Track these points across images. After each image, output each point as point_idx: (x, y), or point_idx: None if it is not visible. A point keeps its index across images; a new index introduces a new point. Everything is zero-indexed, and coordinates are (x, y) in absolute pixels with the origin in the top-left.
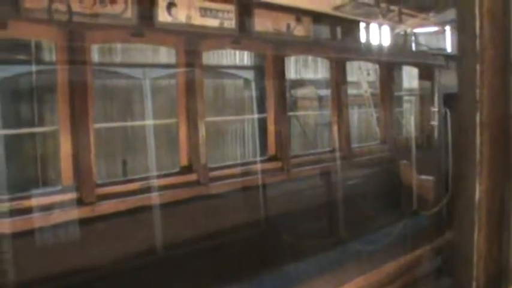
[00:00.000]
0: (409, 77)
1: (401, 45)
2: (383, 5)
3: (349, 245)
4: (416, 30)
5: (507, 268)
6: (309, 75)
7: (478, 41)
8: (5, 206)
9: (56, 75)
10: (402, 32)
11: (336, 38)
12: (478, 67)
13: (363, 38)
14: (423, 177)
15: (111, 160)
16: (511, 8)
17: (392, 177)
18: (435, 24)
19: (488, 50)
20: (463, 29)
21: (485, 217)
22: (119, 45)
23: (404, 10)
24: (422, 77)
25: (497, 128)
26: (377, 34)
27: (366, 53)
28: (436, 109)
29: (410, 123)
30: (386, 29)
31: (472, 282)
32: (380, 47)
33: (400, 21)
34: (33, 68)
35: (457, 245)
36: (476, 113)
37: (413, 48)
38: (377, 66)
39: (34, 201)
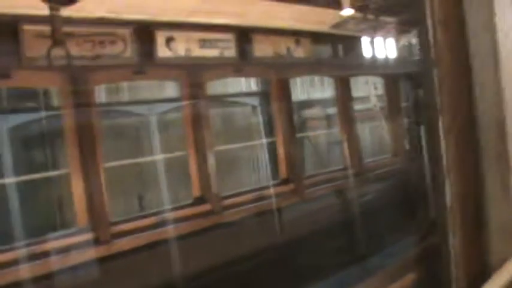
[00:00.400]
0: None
1: (406, 57)
2: (382, 19)
3: (367, 261)
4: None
5: (486, 269)
6: (316, 94)
7: (433, 49)
8: (23, 252)
9: (62, 120)
10: (406, 43)
11: (338, 55)
12: (435, 74)
13: (365, 53)
14: None
15: (125, 197)
16: (465, 14)
17: (406, 190)
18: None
19: (445, 57)
20: (420, 38)
21: (459, 220)
22: (122, 84)
23: (406, 22)
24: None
25: (463, 133)
26: (380, 47)
27: (369, 67)
28: None
29: (420, 135)
30: (388, 41)
31: (452, 285)
32: (384, 60)
33: (402, 33)
34: (41, 114)
35: (437, 249)
36: (439, 119)
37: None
38: (383, 80)
39: (51, 245)
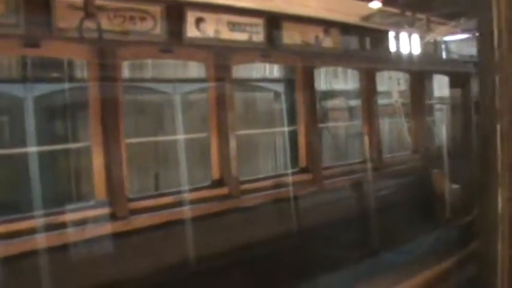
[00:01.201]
0: (440, 86)
1: (431, 54)
2: (411, 13)
3: (382, 256)
4: (446, 38)
5: None
6: (338, 86)
7: (497, 51)
8: (40, 222)
9: (87, 92)
10: (432, 40)
11: (365, 48)
12: (497, 77)
13: (392, 48)
14: (455, 186)
15: (144, 174)
16: None
17: (425, 187)
18: (465, 32)
19: (508, 60)
20: (482, 39)
21: (508, 227)
22: (149, 61)
23: (433, 18)
24: (453, 85)
25: None
26: (407, 43)
27: (395, 62)
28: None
29: (441, 132)
30: (415, 37)
31: None
32: (410, 56)
33: (429, 29)
34: (67, 85)
35: (482, 255)
36: (497, 122)
37: (444, 56)
38: (407, 76)
39: (68, 216)
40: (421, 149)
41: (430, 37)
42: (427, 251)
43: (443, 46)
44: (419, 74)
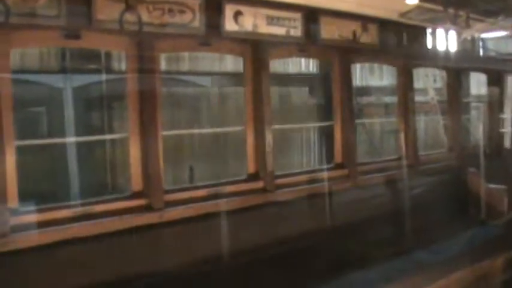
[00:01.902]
0: (477, 83)
1: (468, 51)
2: (450, 10)
3: (415, 254)
4: (484, 35)
5: None
6: (374, 82)
7: None
8: (78, 211)
9: (125, 84)
10: (469, 38)
11: (402, 44)
12: None
13: (429, 44)
14: (492, 186)
15: (179, 166)
16: None
17: (460, 186)
18: (504, 29)
19: None
20: None
21: None
22: (186, 54)
23: (471, 15)
24: (491, 83)
25: None
26: (444, 40)
27: (432, 59)
28: (505, 116)
29: (478, 131)
30: (453, 34)
31: None
32: (447, 53)
33: (468, 26)
34: (104, 77)
35: None
36: None
37: (481, 53)
38: (444, 73)
39: (104, 207)
40: (457, 147)
41: (467, 34)
42: (461, 251)
43: (480, 43)
44: (456, 71)
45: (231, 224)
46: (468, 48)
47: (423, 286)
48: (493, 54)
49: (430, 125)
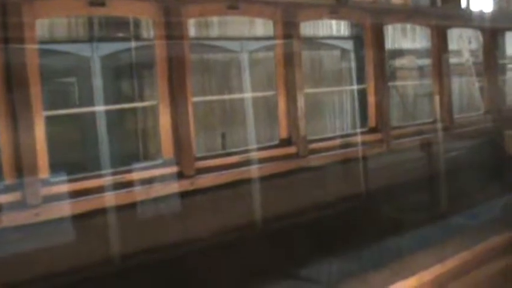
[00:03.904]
0: None
1: (504, 10)
2: None
3: (451, 220)
4: None
5: None
6: (407, 44)
7: None
8: (110, 180)
9: (154, 51)
10: None
11: (436, 4)
12: None
13: (464, 4)
14: None
15: (211, 133)
16: None
17: (497, 149)
18: None
19: None
20: None
21: None
22: (215, 19)
23: None
24: None
25: None
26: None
27: (467, 19)
28: None
29: None
30: None
31: None
32: (482, 12)
33: None
34: (134, 44)
35: None
36: None
37: None
38: (479, 34)
39: (136, 175)
40: (493, 110)
41: None
42: (497, 217)
43: None
44: (491, 31)
45: (264, 190)
46: (504, 8)
47: (459, 252)
48: None
49: (465, 88)
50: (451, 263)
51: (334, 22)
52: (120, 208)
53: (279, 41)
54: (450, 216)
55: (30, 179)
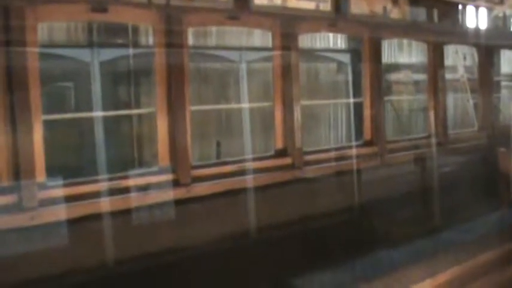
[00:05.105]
0: (508, 62)
1: (500, 28)
2: None
3: (443, 234)
4: None
5: None
6: (403, 59)
7: None
8: (105, 186)
9: (153, 59)
10: (501, 14)
11: (433, 20)
12: None
13: (460, 21)
14: None
15: (206, 142)
16: None
17: (490, 166)
18: None
19: None
20: None
21: None
22: (215, 29)
23: None
24: None
25: None
26: (475, 16)
27: (463, 36)
28: None
29: (509, 110)
30: (484, 10)
31: None
32: (478, 29)
33: (500, 2)
34: (133, 51)
35: None
36: None
37: None
38: (474, 50)
39: (132, 182)
40: (487, 127)
41: (499, 10)
42: (489, 232)
43: None
44: (486, 48)
45: (257, 200)
46: (499, 25)
47: (449, 267)
48: None
49: (459, 104)
50: (441, 278)
51: (332, 35)
52: (115, 214)
53: (276, 53)
54: (441, 231)
55: (27, 182)
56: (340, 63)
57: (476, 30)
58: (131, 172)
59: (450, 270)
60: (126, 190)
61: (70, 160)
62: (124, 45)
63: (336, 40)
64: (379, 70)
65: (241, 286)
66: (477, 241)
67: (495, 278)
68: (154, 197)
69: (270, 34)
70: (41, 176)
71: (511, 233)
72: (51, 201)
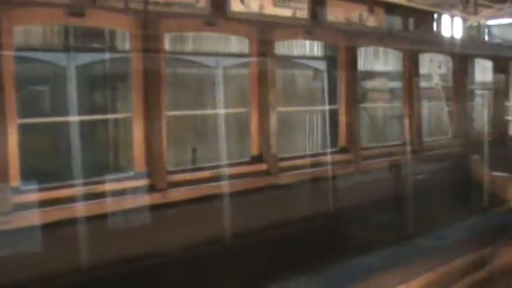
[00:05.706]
0: (482, 70)
1: (474, 37)
2: None
3: (416, 240)
4: (490, 22)
5: None
6: (379, 67)
7: None
8: (81, 191)
9: (130, 64)
10: (475, 24)
11: (409, 29)
12: None
13: (435, 30)
14: (496, 173)
15: (182, 147)
16: None
17: (463, 173)
18: (511, 15)
19: None
20: None
21: None
22: (191, 34)
23: (479, 0)
24: (496, 70)
25: None
26: (450, 26)
27: (438, 44)
28: (510, 103)
29: (482, 118)
30: (459, 20)
31: None
32: (453, 38)
33: (474, 12)
34: (107, 56)
35: None
36: None
37: (487, 40)
38: (449, 59)
39: (107, 186)
40: (461, 134)
41: (473, 20)
42: (462, 238)
43: (486, 30)
44: (461, 57)
45: (233, 206)
46: (474, 35)
47: (424, 273)
48: (498, 41)
49: (434, 111)
50: (414, 284)
51: (308, 42)
52: (90, 219)
53: (253, 59)
54: (414, 238)
55: (1, 187)
56: (316, 71)
57: (451, 39)
58: (107, 177)
59: (423, 276)
60: (101, 195)
61: (45, 164)
62: (101, 50)
63: (312, 47)
64: (355, 77)
65: None
66: (450, 247)
67: (468, 283)
68: (130, 202)
69: (247, 40)
70: (15, 181)
71: (482, 238)
72: (25, 206)
